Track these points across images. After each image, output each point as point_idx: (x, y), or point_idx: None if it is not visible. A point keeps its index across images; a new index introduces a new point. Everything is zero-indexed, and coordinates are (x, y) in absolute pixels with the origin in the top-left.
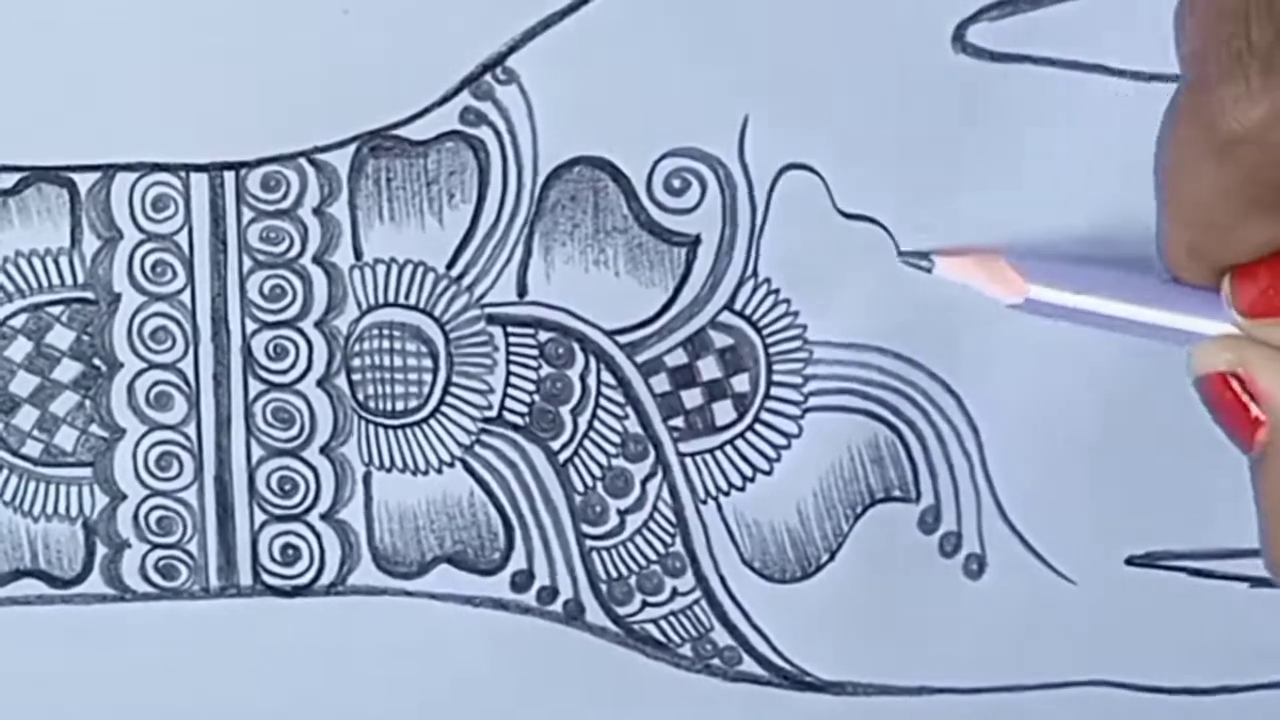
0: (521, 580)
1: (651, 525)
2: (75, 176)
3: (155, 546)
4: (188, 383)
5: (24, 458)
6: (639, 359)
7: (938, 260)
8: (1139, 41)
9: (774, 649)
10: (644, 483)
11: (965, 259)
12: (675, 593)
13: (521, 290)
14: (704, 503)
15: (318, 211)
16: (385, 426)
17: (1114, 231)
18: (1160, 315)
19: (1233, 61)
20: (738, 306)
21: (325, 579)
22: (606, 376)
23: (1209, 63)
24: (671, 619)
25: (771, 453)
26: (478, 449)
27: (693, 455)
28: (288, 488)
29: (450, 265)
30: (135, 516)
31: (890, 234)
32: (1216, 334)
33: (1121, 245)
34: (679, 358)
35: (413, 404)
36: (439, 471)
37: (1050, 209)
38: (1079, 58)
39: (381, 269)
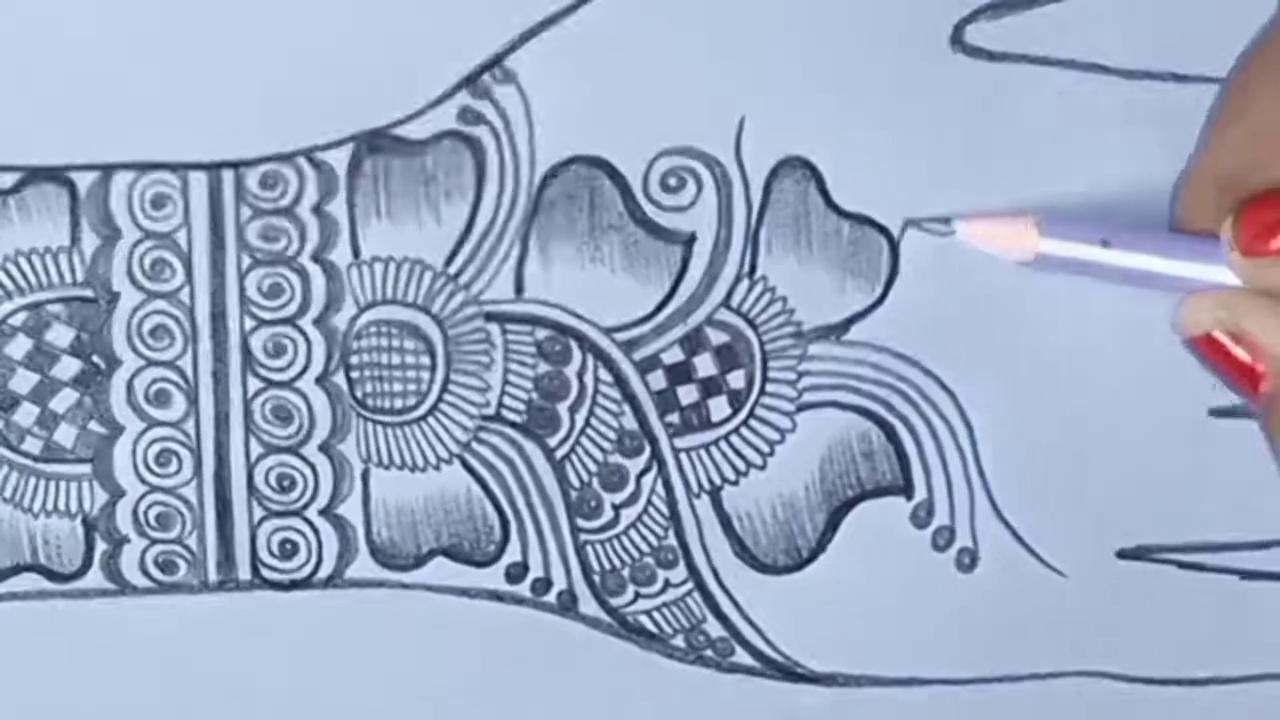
0: (516, 572)
1: (645, 519)
2: (75, 175)
3: (154, 542)
4: (186, 380)
5: (24, 454)
6: (635, 356)
7: (958, 224)
8: (1137, 41)
9: (766, 640)
10: (639, 477)
11: (986, 220)
12: (668, 584)
13: (519, 288)
14: (697, 496)
15: (316, 210)
16: (383, 424)
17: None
18: (1169, 265)
19: None
20: (734, 304)
21: (323, 573)
22: (603, 373)
23: None
24: (664, 610)
25: (765, 448)
26: (475, 446)
27: (687, 450)
28: (286, 484)
29: (448, 263)
30: (134, 512)
31: (887, 233)
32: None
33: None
34: (675, 355)
35: (411, 401)
36: (437, 468)
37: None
38: (1076, 57)
39: (379, 267)
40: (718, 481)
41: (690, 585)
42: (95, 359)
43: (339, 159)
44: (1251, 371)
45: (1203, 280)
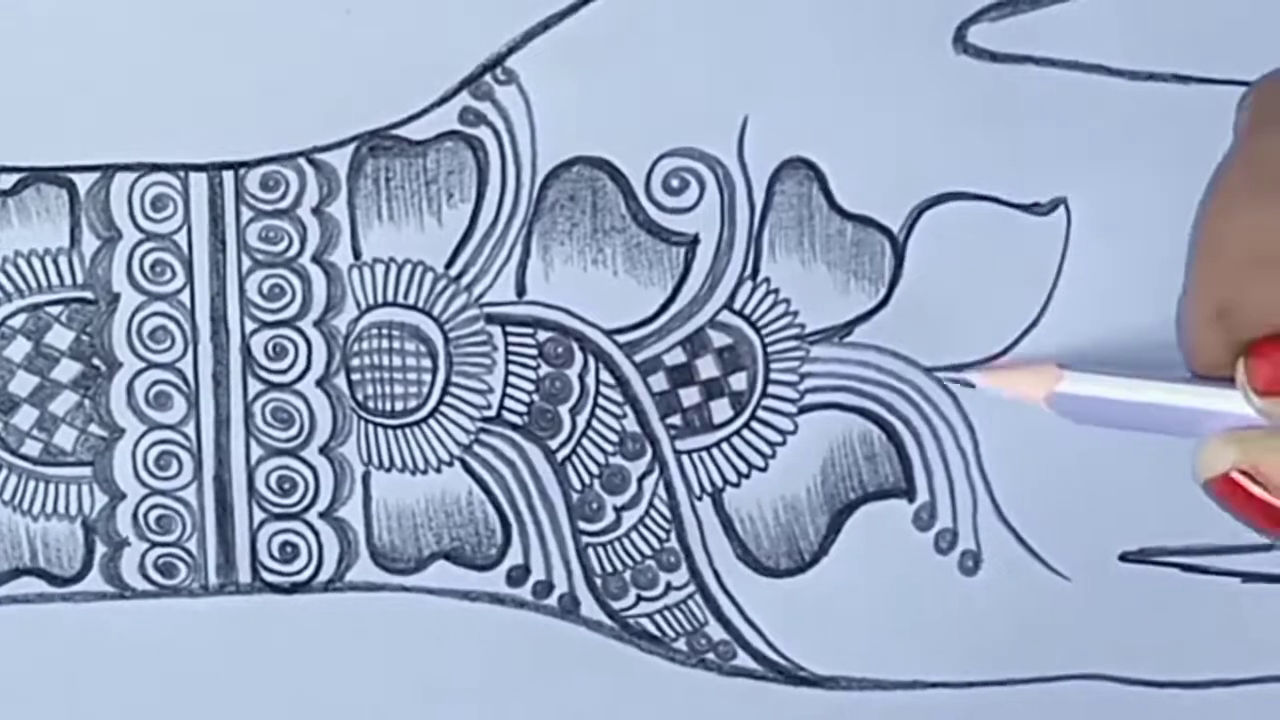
0: (517, 575)
1: (647, 521)
2: (74, 177)
3: (154, 545)
4: (187, 382)
5: (23, 457)
6: (637, 358)
7: (976, 377)
8: (1138, 41)
9: (768, 643)
10: (640, 480)
11: (1004, 370)
12: (670, 587)
13: (520, 290)
14: (699, 499)
15: (317, 211)
16: (384, 426)
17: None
18: (1187, 406)
19: None
20: (737, 306)
21: (323, 576)
22: (605, 375)
23: (1274, 117)
24: (666, 613)
25: (767, 450)
26: (476, 448)
27: (689, 452)
28: (287, 487)
29: (449, 265)
30: (134, 515)
31: (890, 234)
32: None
33: (1121, 247)
34: (677, 357)
35: (412, 404)
36: (438, 471)
37: (1049, 208)
38: (1079, 58)
39: (380, 268)
40: (720, 484)
41: (692, 588)
42: (95, 361)
43: (340, 160)
44: (1274, 510)
45: (1223, 421)
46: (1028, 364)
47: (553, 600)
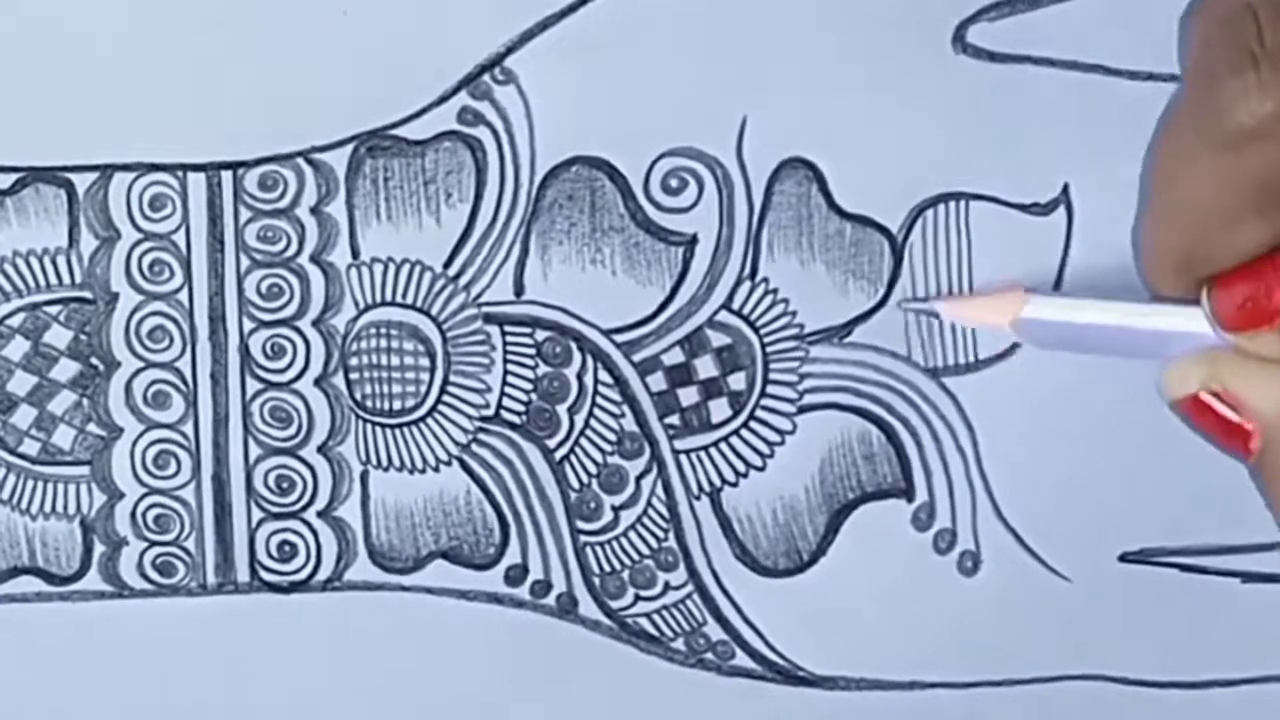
0: (515, 574)
1: (645, 520)
2: (73, 176)
3: (153, 544)
4: (185, 382)
5: (22, 456)
6: (636, 358)
7: (940, 305)
8: (1138, 41)
9: (767, 643)
10: (639, 479)
11: (969, 299)
12: (668, 587)
13: (519, 289)
14: (697, 499)
15: (315, 211)
16: (382, 425)
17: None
18: (1150, 328)
19: (1242, 58)
20: (735, 306)
21: (322, 575)
22: (603, 375)
23: (1218, 60)
24: (664, 613)
25: (766, 449)
26: (474, 447)
27: (688, 452)
28: (285, 486)
29: (447, 264)
30: (133, 514)
31: (889, 234)
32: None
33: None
34: (676, 356)
35: (410, 403)
36: (436, 470)
37: (1049, 208)
38: (1078, 58)
39: (379, 268)
40: (718, 483)
41: (690, 588)
42: (93, 360)
43: (338, 160)
44: (1241, 430)
45: (1187, 342)
46: (993, 291)
47: (551, 599)
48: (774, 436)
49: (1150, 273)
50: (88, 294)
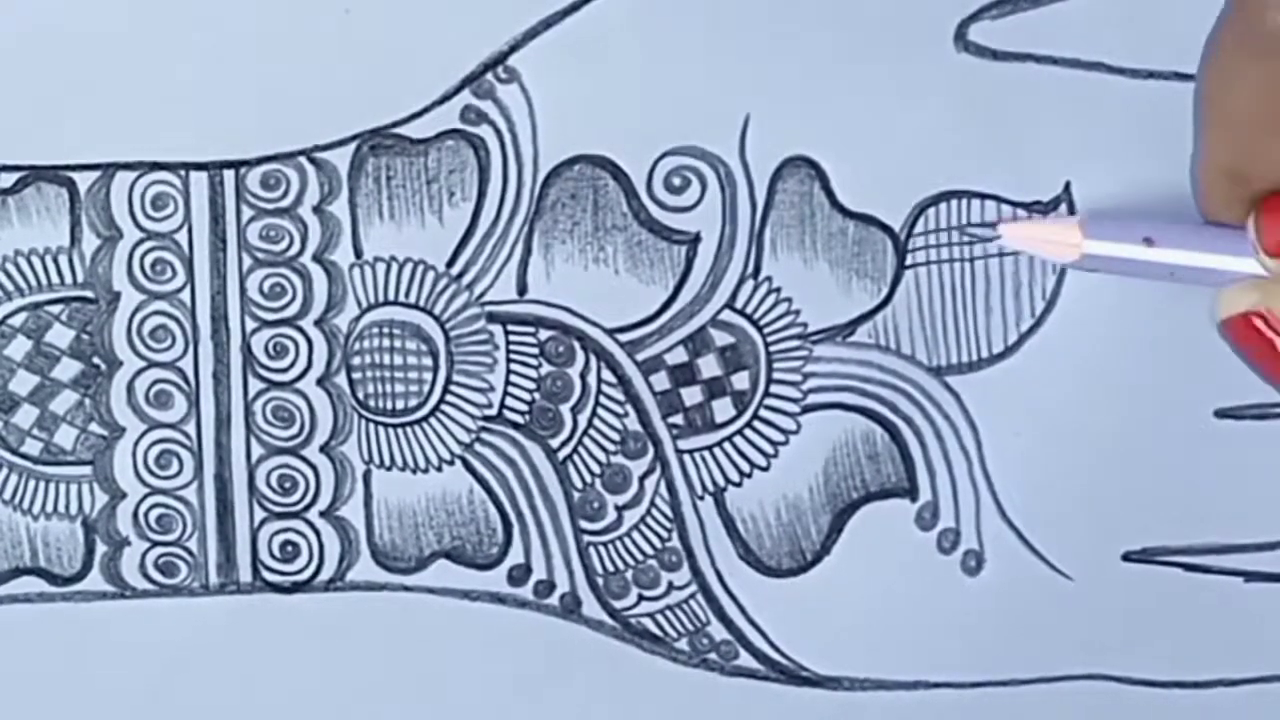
0: (519, 575)
1: (649, 521)
2: (75, 175)
3: (155, 544)
4: (187, 381)
5: (24, 456)
6: (639, 357)
7: (1003, 228)
8: (1139, 39)
9: (770, 643)
10: (642, 479)
11: (1030, 223)
12: (671, 587)
13: (521, 288)
14: (701, 498)
15: (318, 210)
16: (385, 425)
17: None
18: (1211, 260)
19: None
20: (739, 305)
21: (324, 575)
22: (606, 374)
23: None
24: (668, 613)
25: (769, 449)
26: (477, 447)
27: (691, 452)
28: (287, 486)
29: (450, 263)
30: (135, 514)
31: (892, 232)
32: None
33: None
34: (679, 356)
35: (413, 402)
36: (439, 469)
37: (1051, 206)
38: (1080, 56)
39: (381, 267)
40: (721, 483)
41: (694, 588)
42: (95, 360)
43: (341, 159)
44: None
45: (1245, 271)
46: (1052, 221)
47: (554, 600)
48: (778, 436)
49: (1203, 198)
50: (90, 293)
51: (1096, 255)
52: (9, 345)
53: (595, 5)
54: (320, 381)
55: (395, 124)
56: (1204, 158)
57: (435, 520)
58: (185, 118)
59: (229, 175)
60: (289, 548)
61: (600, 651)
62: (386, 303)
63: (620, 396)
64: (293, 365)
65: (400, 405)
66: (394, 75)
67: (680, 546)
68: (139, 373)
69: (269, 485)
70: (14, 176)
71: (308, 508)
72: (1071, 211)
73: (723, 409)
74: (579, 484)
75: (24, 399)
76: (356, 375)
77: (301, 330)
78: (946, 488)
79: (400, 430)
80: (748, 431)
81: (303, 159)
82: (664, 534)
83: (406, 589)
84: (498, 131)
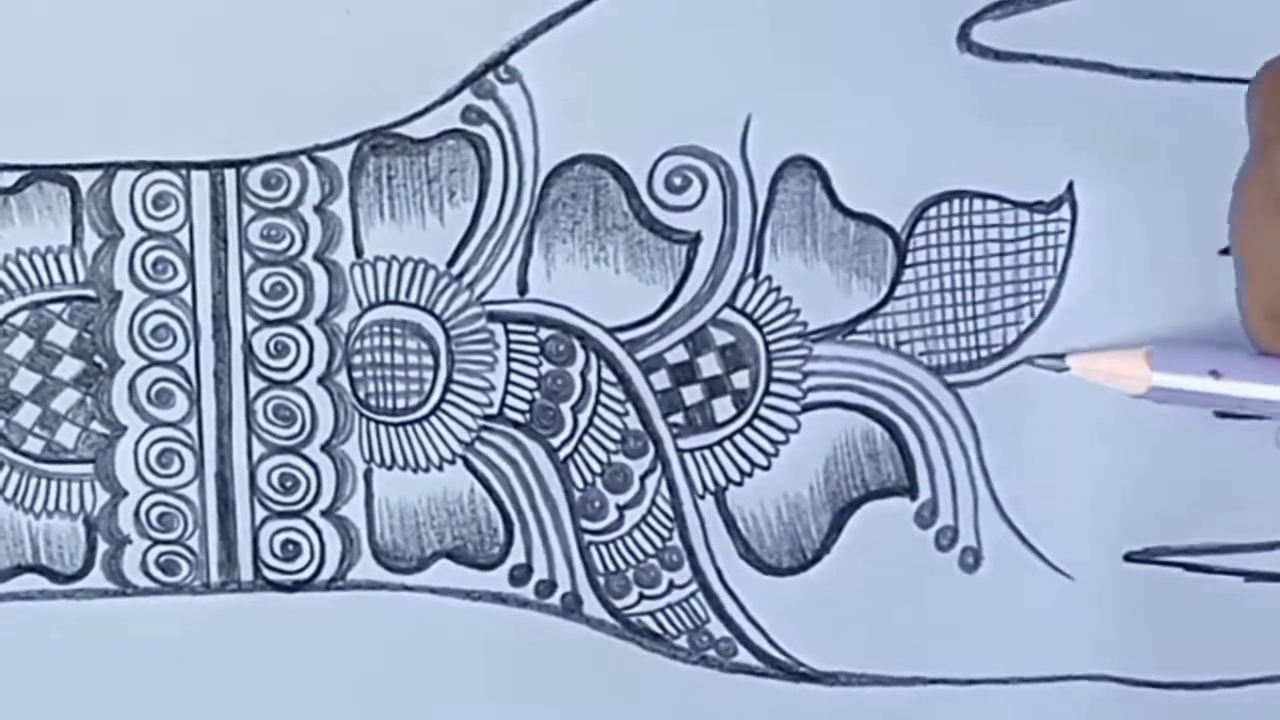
0: (520, 574)
1: (650, 520)
2: (76, 175)
3: (156, 542)
4: (189, 380)
5: (25, 455)
6: (639, 356)
7: (1072, 359)
8: (1142, 40)
9: (769, 641)
10: (643, 478)
11: (1099, 355)
12: (672, 585)
13: (522, 288)
14: (702, 497)
15: (319, 209)
16: (386, 424)
17: (1117, 230)
18: (1274, 392)
19: None
20: (739, 304)
21: (325, 574)
22: (607, 373)
23: (1277, 129)
24: (668, 611)
25: (770, 448)
26: (478, 446)
27: (692, 451)
28: (289, 484)
29: (451, 263)
30: (136, 513)
31: (892, 232)
32: None
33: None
34: (679, 355)
35: (413, 401)
36: (439, 468)
37: (1053, 206)
38: (1082, 56)
39: (382, 266)
40: (722, 482)
41: (694, 586)
42: (97, 359)
43: (342, 158)
44: None
45: None
46: (1121, 355)
47: (555, 599)
48: (778, 435)
49: (1254, 336)
50: (91, 292)
51: (1164, 388)
52: (11, 344)
53: (596, 5)
54: (321, 380)
55: (396, 124)
56: (1248, 303)
57: (436, 520)
58: (186, 117)
59: (230, 174)
60: (290, 546)
61: (601, 650)
62: (387, 302)
63: (621, 395)
64: (294, 364)
65: (401, 404)
66: (395, 75)
67: (681, 545)
68: (140, 371)
69: (270, 484)
70: (16, 175)
71: (309, 507)
72: (1073, 211)
73: (723, 408)
74: (580, 483)
75: (26, 397)
76: (357, 374)
77: (302, 329)
78: (945, 486)
79: (401, 429)
80: (748, 430)
81: (304, 158)
82: (665, 533)
83: (408, 588)
84: (499, 131)
